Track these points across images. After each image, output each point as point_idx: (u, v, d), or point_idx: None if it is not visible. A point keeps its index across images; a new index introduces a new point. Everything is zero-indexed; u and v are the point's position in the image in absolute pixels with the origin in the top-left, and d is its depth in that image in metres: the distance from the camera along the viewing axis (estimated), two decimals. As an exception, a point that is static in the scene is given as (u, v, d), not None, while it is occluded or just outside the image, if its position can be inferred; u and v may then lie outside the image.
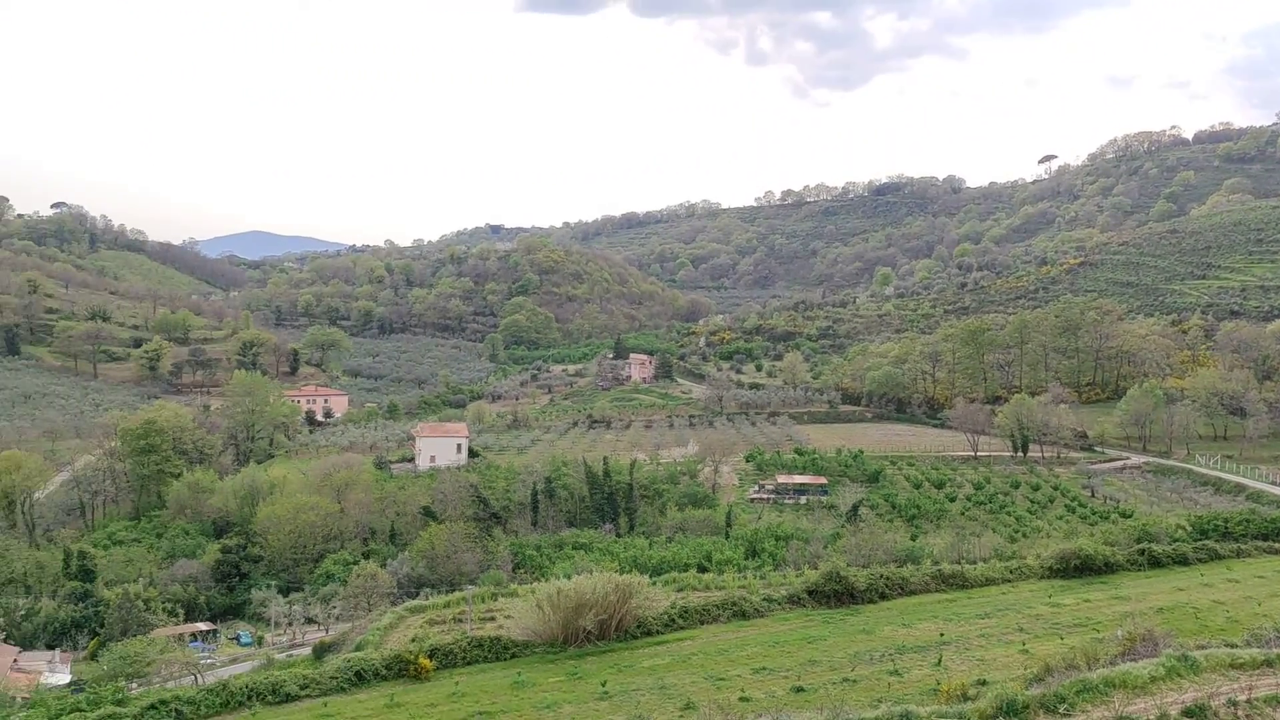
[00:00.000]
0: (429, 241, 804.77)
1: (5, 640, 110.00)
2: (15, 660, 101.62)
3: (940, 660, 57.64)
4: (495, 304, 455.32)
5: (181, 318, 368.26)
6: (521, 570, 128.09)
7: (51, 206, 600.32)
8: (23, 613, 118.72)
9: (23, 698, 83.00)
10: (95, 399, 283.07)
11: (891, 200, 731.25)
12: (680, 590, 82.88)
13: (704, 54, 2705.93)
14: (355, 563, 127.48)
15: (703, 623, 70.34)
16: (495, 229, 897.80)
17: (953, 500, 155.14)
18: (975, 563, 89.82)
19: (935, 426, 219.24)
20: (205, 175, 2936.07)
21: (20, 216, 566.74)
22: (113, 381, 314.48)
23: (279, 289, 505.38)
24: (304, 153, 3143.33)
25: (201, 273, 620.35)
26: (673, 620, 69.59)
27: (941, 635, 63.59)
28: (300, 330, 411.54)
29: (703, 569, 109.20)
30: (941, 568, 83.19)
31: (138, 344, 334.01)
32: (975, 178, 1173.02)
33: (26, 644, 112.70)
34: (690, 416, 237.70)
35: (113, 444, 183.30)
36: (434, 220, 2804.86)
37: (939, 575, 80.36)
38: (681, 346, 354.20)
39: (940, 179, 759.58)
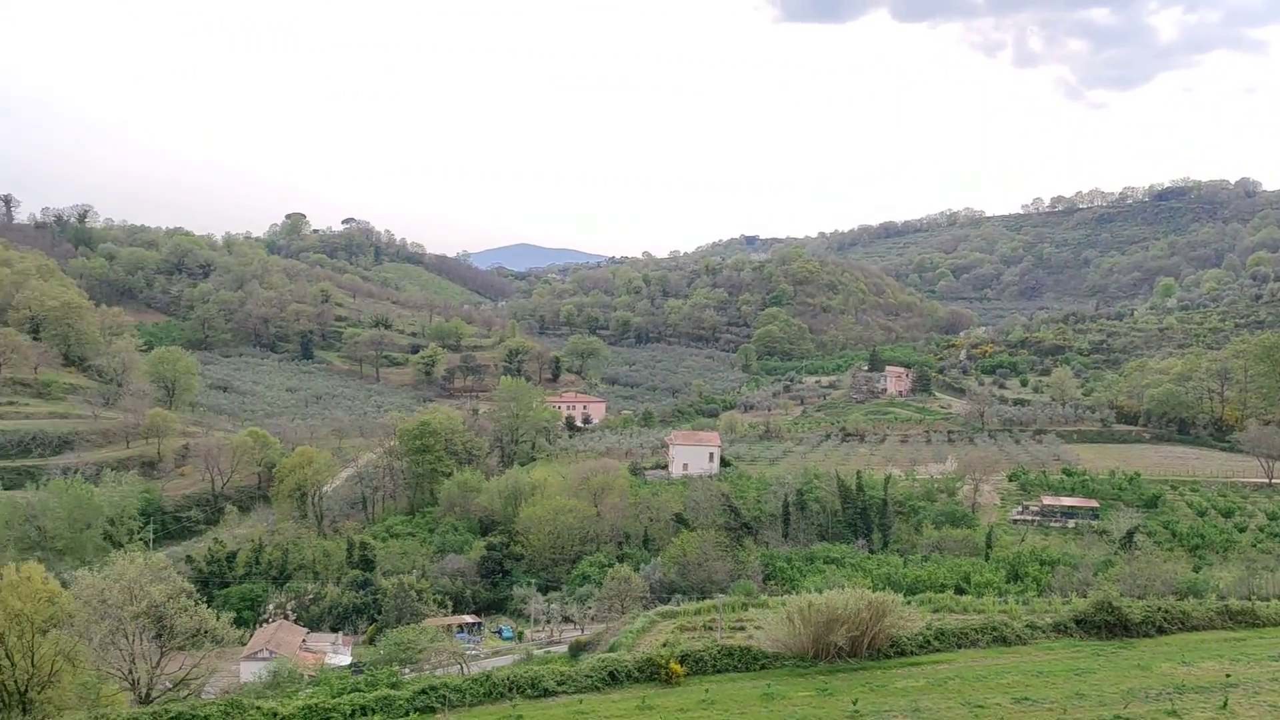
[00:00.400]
0: (684, 253, 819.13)
1: (295, 621, 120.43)
2: (304, 640, 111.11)
3: (1225, 703, 53.14)
4: (749, 314, 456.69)
5: (454, 326, 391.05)
6: (771, 582, 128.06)
7: (342, 222, 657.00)
8: (311, 597, 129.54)
9: (309, 675, 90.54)
10: (377, 400, 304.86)
11: (1175, 206, 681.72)
12: (936, 611, 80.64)
13: (969, 57, 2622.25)
14: (610, 565, 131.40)
15: (960, 646, 68.03)
16: (750, 240, 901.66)
17: (1243, 530, 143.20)
18: (1268, 599, 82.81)
19: (1223, 450, 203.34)
20: (478, 191, 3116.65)
21: (315, 232, 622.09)
22: (392, 384, 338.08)
23: (543, 299, 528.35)
24: (568, 168, 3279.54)
25: (472, 284, 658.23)
26: (928, 642, 67.69)
27: (1228, 676, 58.74)
28: (562, 339, 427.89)
29: (960, 590, 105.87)
30: (1229, 603, 77.19)
31: (415, 350, 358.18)
32: (1273, 180, 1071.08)
33: (313, 625, 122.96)
34: (949, 432, 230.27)
35: (392, 443, 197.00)
36: (690, 232, 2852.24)
37: (1225, 611, 74.64)
38: (940, 359, 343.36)
39: (1232, 182, 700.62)
